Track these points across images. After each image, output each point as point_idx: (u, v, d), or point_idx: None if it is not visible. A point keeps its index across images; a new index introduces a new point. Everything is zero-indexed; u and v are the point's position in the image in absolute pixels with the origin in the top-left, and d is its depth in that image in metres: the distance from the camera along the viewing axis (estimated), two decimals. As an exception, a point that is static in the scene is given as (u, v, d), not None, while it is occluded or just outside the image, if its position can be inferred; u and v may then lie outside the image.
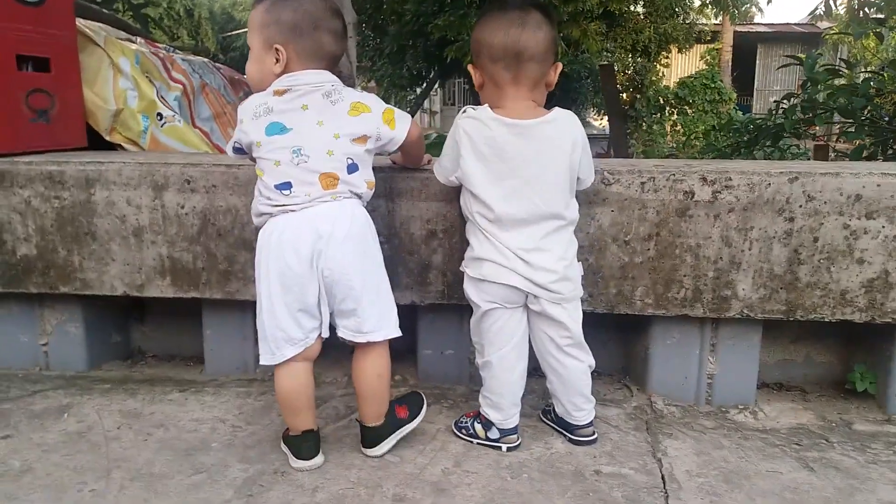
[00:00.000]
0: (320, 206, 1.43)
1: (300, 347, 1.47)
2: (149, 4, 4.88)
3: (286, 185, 1.43)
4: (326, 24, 1.48)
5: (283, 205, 1.43)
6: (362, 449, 1.58)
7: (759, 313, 1.76)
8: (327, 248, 1.41)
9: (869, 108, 3.52)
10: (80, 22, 2.31)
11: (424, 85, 13.47)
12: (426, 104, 20.35)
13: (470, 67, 1.57)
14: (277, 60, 1.46)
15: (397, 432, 1.58)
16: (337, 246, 1.42)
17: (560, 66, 1.55)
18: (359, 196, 1.50)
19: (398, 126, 1.52)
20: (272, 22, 1.46)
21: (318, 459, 1.53)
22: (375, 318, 1.49)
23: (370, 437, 1.56)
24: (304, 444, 1.52)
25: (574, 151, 1.50)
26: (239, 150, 1.53)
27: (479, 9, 7.74)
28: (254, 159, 1.50)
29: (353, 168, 1.47)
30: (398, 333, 1.54)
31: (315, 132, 1.43)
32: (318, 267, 1.42)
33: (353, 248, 1.45)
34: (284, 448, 1.57)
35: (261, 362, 1.49)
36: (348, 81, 4.09)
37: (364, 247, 1.48)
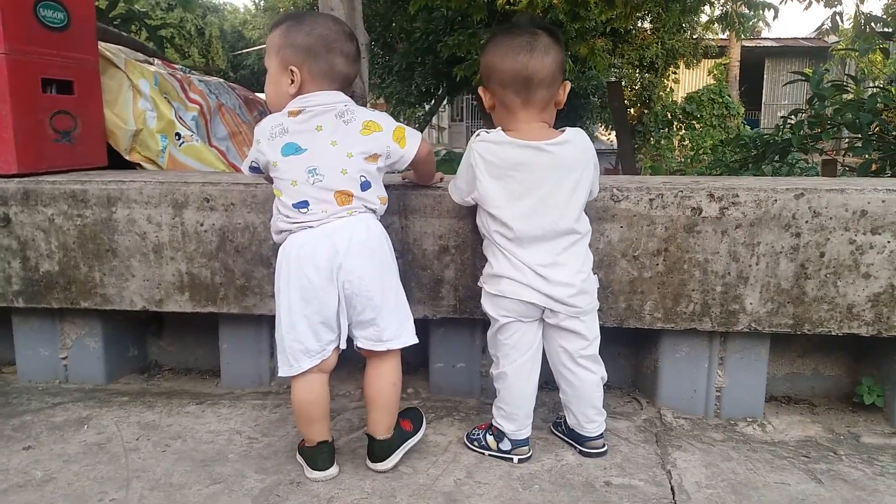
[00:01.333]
0: (337, 221, 1.48)
1: (317, 359, 1.51)
2: (164, 26, 4.98)
3: (303, 204, 1.48)
4: (340, 46, 1.54)
5: (302, 222, 1.48)
6: (370, 464, 1.59)
7: (767, 327, 1.78)
8: (346, 261, 1.46)
9: (876, 123, 3.54)
10: (101, 45, 2.38)
11: (433, 102, 13.58)
12: (434, 120, 20.47)
13: (480, 90, 1.61)
14: (292, 81, 1.52)
15: (404, 445, 1.61)
16: (355, 259, 1.46)
17: (568, 85, 1.59)
18: (373, 211, 1.55)
19: (408, 144, 1.56)
20: (287, 45, 1.52)
21: (333, 470, 1.56)
22: (395, 326, 1.54)
23: (380, 449, 1.58)
24: (320, 455, 1.55)
25: (587, 170, 1.54)
26: (255, 170, 1.58)
27: (489, 27, 7.81)
28: (269, 178, 1.55)
29: (366, 185, 1.52)
30: (416, 340, 1.58)
31: (329, 152, 1.48)
32: (337, 280, 1.47)
33: (371, 259, 1.50)
34: (300, 459, 1.60)
35: (279, 374, 1.52)
36: (360, 101, 4.15)
37: (381, 257, 1.52)
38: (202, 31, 24.83)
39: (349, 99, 1.56)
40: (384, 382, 1.56)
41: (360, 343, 1.55)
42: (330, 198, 1.48)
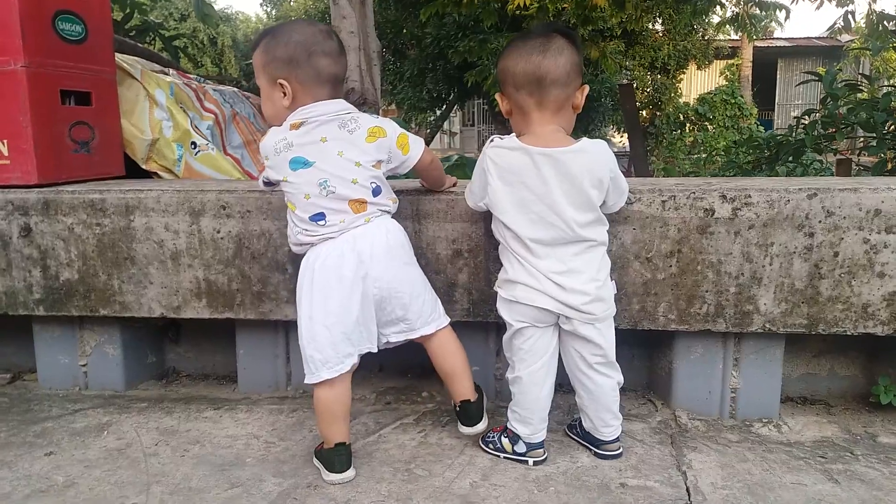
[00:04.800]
0: (356, 229, 1.52)
1: (348, 365, 1.54)
2: (178, 37, 5.04)
3: (320, 216, 1.51)
4: (320, 48, 1.54)
5: (322, 234, 1.52)
6: (461, 428, 1.71)
7: (781, 327, 1.78)
8: (372, 268, 1.50)
9: (890, 122, 3.52)
10: (117, 56, 2.41)
11: (444, 107, 13.64)
12: (446, 125, 20.51)
13: (498, 96, 1.62)
14: (284, 94, 1.53)
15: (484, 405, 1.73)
16: (380, 264, 1.51)
17: (587, 89, 1.58)
18: (387, 212, 1.59)
19: (412, 150, 1.60)
20: (270, 60, 1.54)
21: (350, 473, 1.57)
22: (426, 316, 1.61)
23: (473, 411, 1.68)
24: (337, 457, 1.56)
25: (602, 184, 1.52)
26: (269, 183, 1.62)
27: (499, 33, 7.83)
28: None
29: (377, 191, 1.55)
30: (448, 320, 1.67)
31: (337, 163, 1.51)
32: (364, 287, 1.51)
33: (395, 261, 1.55)
34: (317, 463, 1.62)
35: (305, 381, 1.56)
36: (373, 107, 4.18)
37: (403, 256, 1.58)
38: (214, 40, 25.03)
39: (351, 106, 1.58)
40: (446, 353, 1.66)
41: (392, 338, 1.61)
42: (345, 207, 1.51)
